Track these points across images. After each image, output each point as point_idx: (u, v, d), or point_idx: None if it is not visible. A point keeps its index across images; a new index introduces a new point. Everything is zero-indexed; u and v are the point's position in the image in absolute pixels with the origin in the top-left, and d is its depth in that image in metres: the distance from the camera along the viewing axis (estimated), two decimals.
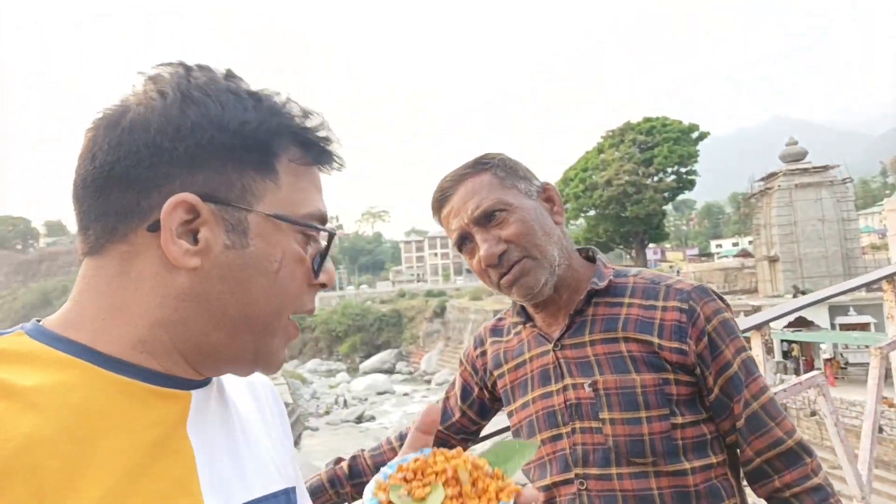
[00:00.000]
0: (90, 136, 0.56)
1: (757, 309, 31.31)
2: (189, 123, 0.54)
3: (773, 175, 36.48)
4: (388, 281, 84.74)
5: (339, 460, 1.30)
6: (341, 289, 77.66)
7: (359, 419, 31.10)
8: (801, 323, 30.22)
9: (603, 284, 1.08)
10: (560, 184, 50.17)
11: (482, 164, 1.09)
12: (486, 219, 1.05)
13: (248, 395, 0.69)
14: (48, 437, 0.47)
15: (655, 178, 44.37)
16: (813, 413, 16.32)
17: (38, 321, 0.56)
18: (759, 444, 1.02)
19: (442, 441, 1.26)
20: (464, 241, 1.09)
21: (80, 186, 0.56)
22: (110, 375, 0.53)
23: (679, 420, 1.02)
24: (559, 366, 1.09)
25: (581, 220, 45.70)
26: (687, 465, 1.00)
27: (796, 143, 37.14)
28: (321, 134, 0.60)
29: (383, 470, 0.57)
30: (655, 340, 1.03)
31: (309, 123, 0.60)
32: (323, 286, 0.63)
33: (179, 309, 0.55)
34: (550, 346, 1.10)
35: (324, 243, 0.61)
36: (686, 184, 45.45)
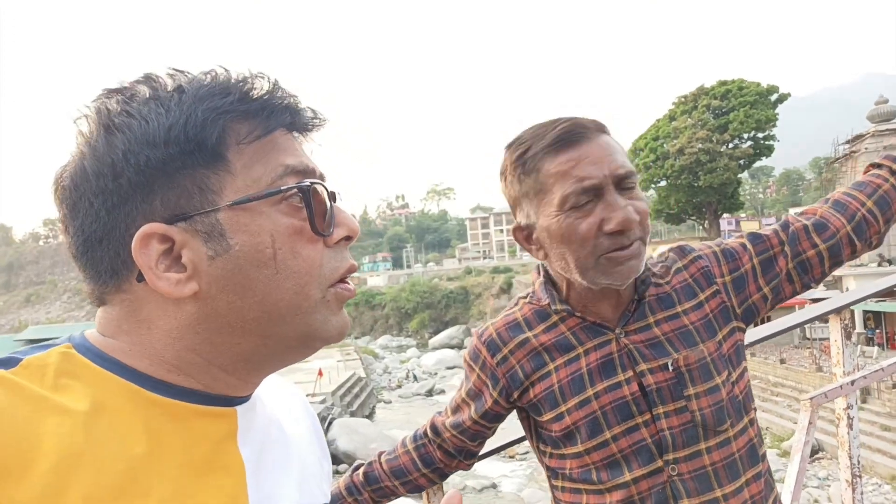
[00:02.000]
0: (57, 208, 0.55)
1: (837, 279, 29.85)
2: (120, 154, 0.51)
3: (859, 137, 34.39)
4: (454, 258, 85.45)
5: (357, 467, 1.26)
6: (409, 267, 79.13)
7: (429, 392, 32.20)
8: (887, 292, 28.51)
9: (657, 269, 1.09)
10: (630, 154, 48.25)
11: (604, 128, 1.01)
12: (623, 182, 0.96)
13: (287, 412, 0.69)
14: (100, 458, 0.47)
15: (730, 145, 42.58)
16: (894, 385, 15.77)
17: (83, 334, 0.56)
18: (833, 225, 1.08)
19: (457, 447, 1.19)
20: (590, 194, 0.95)
21: (72, 255, 0.55)
22: (156, 398, 0.53)
23: (734, 376, 1.04)
24: (629, 352, 1.02)
25: (651, 192, 44.48)
26: (747, 419, 1.04)
27: (886, 101, 34.75)
28: (258, 98, 0.56)
29: None
30: (701, 297, 1.06)
31: (241, 94, 0.55)
32: (348, 239, 0.59)
33: (200, 332, 0.54)
34: (613, 335, 1.03)
35: (304, 195, 0.56)
36: (763, 150, 43.38)
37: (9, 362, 0.49)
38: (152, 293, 0.53)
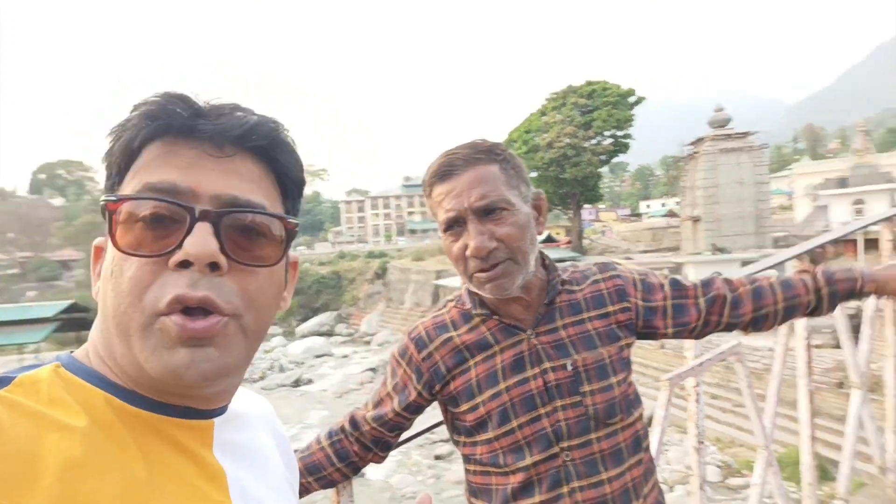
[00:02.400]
0: None
1: (679, 266, 33.42)
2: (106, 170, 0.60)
3: (700, 140, 38.27)
4: (327, 242, 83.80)
5: None
6: None
7: (296, 383, 30.98)
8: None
9: (566, 276, 1.21)
10: (505, 144, 50.52)
11: (494, 154, 1.11)
12: (486, 212, 1.06)
13: (263, 424, 0.71)
14: (101, 471, 0.49)
15: (593, 141, 45.62)
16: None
17: (72, 353, 0.59)
18: (717, 292, 1.23)
19: (376, 438, 1.25)
20: (454, 224, 1.09)
21: None
22: (138, 412, 0.55)
23: (629, 379, 1.19)
24: (536, 352, 1.14)
25: None
26: (636, 413, 1.18)
27: (722, 109, 38.97)
28: (133, 119, 0.57)
29: None
30: (609, 308, 1.18)
31: (139, 113, 0.57)
32: (185, 265, 0.53)
33: (99, 341, 0.58)
34: (525, 335, 1.14)
35: (126, 211, 0.55)
36: (621, 147, 46.97)
37: (2, 381, 0.51)
38: None
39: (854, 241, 29.81)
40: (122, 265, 0.54)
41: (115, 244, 0.54)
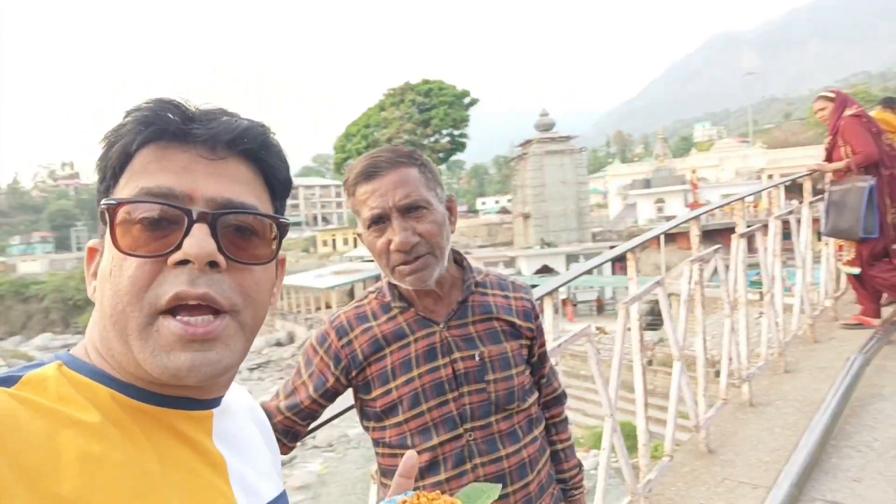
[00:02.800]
0: None
1: (512, 259, 35.81)
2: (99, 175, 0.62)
3: (528, 142, 41.00)
4: None
5: None
6: (80, 249, 67.74)
7: None
8: (546, 270, 35.29)
9: (480, 279, 1.33)
10: (342, 139, 50.40)
11: (413, 159, 1.21)
12: (409, 210, 1.16)
13: (248, 413, 0.73)
14: (117, 464, 0.51)
15: (432, 139, 46.84)
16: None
17: (69, 351, 0.60)
18: (549, 390, 1.42)
19: (287, 428, 1.28)
20: (378, 221, 1.17)
21: None
22: (142, 406, 0.57)
23: (527, 371, 1.33)
24: (447, 343, 1.24)
25: None
26: (531, 400, 1.31)
27: (547, 115, 42.13)
28: (126, 124, 0.59)
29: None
30: (515, 320, 1.31)
31: (134, 118, 0.59)
32: (184, 263, 0.56)
33: (97, 336, 0.60)
34: (438, 328, 1.25)
35: (153, 215, 0.56)
36: (458, 146, 48.80)
37: (9, 380, 0.52)
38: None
39: (658, 237, 34.14)
40: (121, 265, 0.55)
41: (115, 245, 0.56)
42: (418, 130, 45.70)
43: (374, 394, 1.25)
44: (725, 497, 2.80)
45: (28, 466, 0.46)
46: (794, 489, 2.57)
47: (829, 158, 4.80)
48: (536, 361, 1.37)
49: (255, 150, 0.62)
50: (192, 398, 0.61)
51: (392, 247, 1.17)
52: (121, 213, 0.56)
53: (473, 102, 49.45)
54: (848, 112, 4.63)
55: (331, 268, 41.75)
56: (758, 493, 2.72)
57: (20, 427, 0.47)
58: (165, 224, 0.56)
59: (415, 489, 0.63)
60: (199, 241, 0.55)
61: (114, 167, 0.59)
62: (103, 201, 0.58)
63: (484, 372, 1.25)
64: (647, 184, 45.15)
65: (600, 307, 31.61)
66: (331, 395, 1.30)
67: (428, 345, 1.24)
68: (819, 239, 5.28)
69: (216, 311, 0.56)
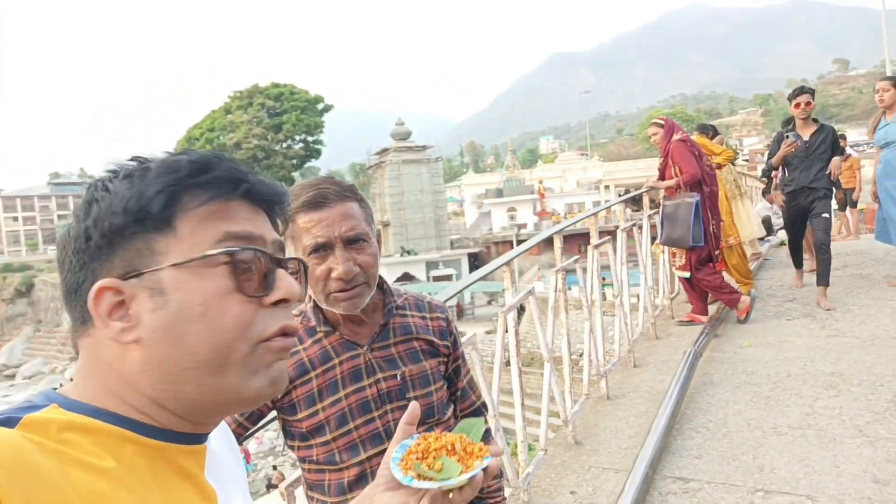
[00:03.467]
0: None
1: None
2: (92, 221, 0.61)
3: (385, 150, 41.33)
4: None
5: None
6: None
7: None
8: (407, 277, 35.78)
9: (400, 302, 1.41)
10: (184, 142, 47.13)
11: (355, 194, 1.30)
12: (352, 241, 1.24)
13: (220, 437, 0.75)
14: (128, 502, 0.54)
15: (284, 145, 45.39)
16: None
17: (55, 390, 0.62)
18: (465, 404, 1.49)
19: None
20: (320, 249, 1.23)
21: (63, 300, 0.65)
22: (146, 440, 0.59)
23: (445, 387, 1.40)
24: (371, 365, 1.31)
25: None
26: (449, 413, 1.40)
27: (403, 123, 42.77)
28: (207, 173, 0.63)
29: (394, 456, 0.78)
30: (433, 339, 1.39)
31: (190, 170, 0.62)
32: (286, 301, 0.64)
33: (149, 377, 0.60)
34: (362, 350, 1.32)
35: (236, 258, 0.62)
36: (313, 152, 47.81)
37: (9, 422, 0.53)
38: (107, 338, 0.60)
39: (511, 242, 36.03)
40: (220, 305, 0.60)
41: (241, 290, 0.61)
42: (269, 136, 44.14)
43: (301, 415, 1.30)
44: (592, 483, 3.09)
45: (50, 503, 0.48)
46: (649, 470, 2.92)
47: (661, 177, 5.48)
48: (451, 374, 1.45)
49: (282, 206, 0.71)
50: (194, 433, 0.63)
51: (334, 275, 1.24)
52: (219, 263, 0.61)
53: (327, 108, 48.79)
54: (675, 137, 5.33)
55: None
56: (619, 476, 3.04)
57: (33, 466, 0.48)
58: (257, 265, 0.63)
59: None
60: (290, 282, 0.65)
61: (163, 215, 0.61)
62: (221, 250, 0.61)
63: (406, 390, 1.32)
64: (499, 193, 47.52)
65: (460, 312, 32.68)
66: (255, 419, 1.35)
67: (353, 366, 1.31)
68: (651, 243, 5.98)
69: None
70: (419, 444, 0.78)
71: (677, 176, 5.26)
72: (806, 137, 5.68)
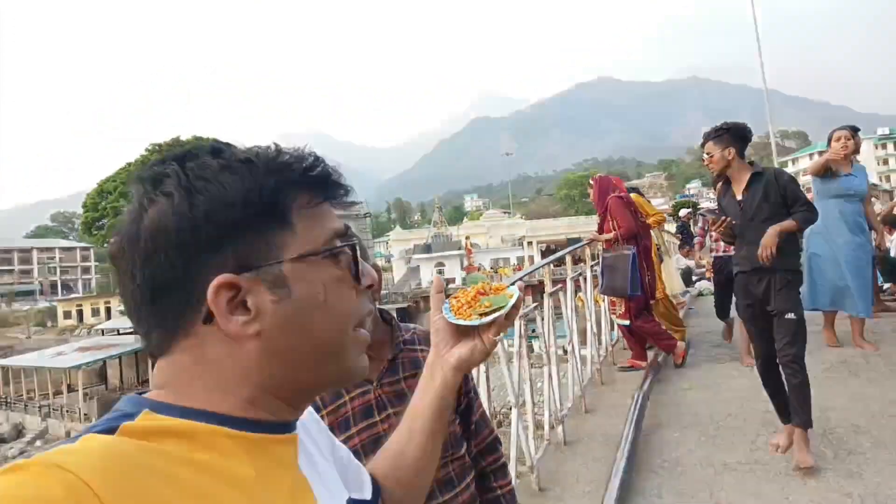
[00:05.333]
0: (119, 258, 0.61)
1: None
2: (202, 213, 0.58)
3: None
4: None
5: None
6: None
7: None
8: None
9: (408, 336, 1.40)
10: (95, 196, 44.94)
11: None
12: None
13: (310, 423, 0.77)
14: (236, 499, 0.54)
15: None
16: None
17: (146, 398, 0.60)
18: (479, 438, 1.46)
19: None
20: None
21: (133, 305, 0.61)
22: (246, 435, 0.59)
23: (457, 421, 1.39)
24: (381, 401, 1.31)
25: None
26: (464, 450, 1.38)
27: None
28: (317, 173, 0.65)
29: (446, 315, 0.89)
30: None
31: (304, 168, 0.64)
32: (370, 287, 0.70)
33: (264, 369, 0.61)
34: (371, 386, 1.32)
35: (350, 252, 0.66)
36: None
37: (107, 431, 0.53)
38: (217, 335, 0.59)
39: None
40: (338, 292, 0.64)
41: (356, 279, 0.66)
42: None
43: None
44: None
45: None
46: None
47: (600, 230, 5.81)
48: (464, 409, 1.44)
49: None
50: (286, 421, 0.65)
51: None
52: (351, 253, 0.66)
53: None
54: (613, 194, 5.70)
55: (75, 343, 35.89)
56: None
57: (143, 469, 0.49)
58: (354, 258, 0.67)
59: None
60: (370, 269, 0.71)
61: (282, 212, 0.63)
62: (338, 242, 0.65)
63: None
64: (427, 248, 47.98)
65: None
66: None
67: (363, 403, 1.31)
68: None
69: None
70: (458, 300, 0.90)
71: (615, 230, 5.59)
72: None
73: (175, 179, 0.60)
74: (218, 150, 0.64)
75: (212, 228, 0.58)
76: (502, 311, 0.86)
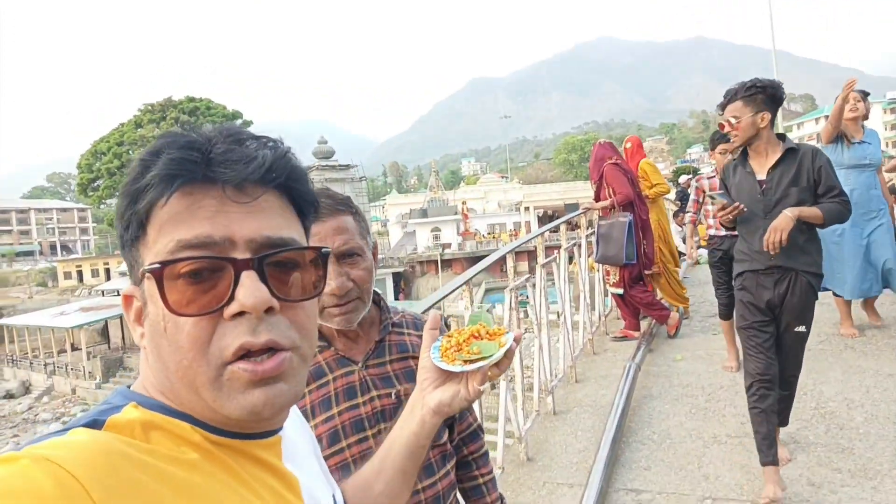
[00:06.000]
0: None
1: None
2: (117, 213, 0.58)
3: (308, 168, 40.49)
4: None
5: None
6: None
7: None
8: None
9: (396, 319, 1.39)
10: (89, 156, 44.42)
11: (349, 206, 1.27)
12: (345, 256, 1.22)
13: (295, 419, 0.73)
14: (217, 497, 0.52)
15: None
16: None
17: (129, 387, 0.60)
18: (462, 425, 1.45)
19: None
20: None
21: None
22: (224, 440, 0.57)
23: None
24: (366, 382, 1.29)
25: (115, 200, 41.50)
26: (445, 437, 1.36)
27: (326, 142, 42.26)
28: (175, 156, 0.55)
29: (432, 356, 0.84)
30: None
31: (165, 155, 0.55)
32: (246, 313, 0.55)
33: (162, 383, 0.58)
34: (357, 367, 1.29)
35: (201, 268, 0.54)
36: None
37: (95, 423, 0.52)
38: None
39: (435, 262, 36.29)
40: (175, 322, 0.54)
41: (168, 308, 0.54)
42: None
43: None
44: (548, 499, 3.11)
45: (147, 500, 0.47)
46: (603, 483, 2.98)
47: (596, 198, 5.70)
48: None
49: (284, 180, 0.60)
50: (261, 431, 0.62)
51: (327, 290, 1.20)
52: (165, 275, 0.54)
53: (247, 124, 47.54)
54: (610, 161, 5.56)
55: (77, 304, 36.10)
56: (574, 491, 3.08)
57: (126, 468, 0.47)
58: (212, 276, 0.54)
59: None
60: (252, 290, 0.54)
61: (140, 220, 0.56)
62: (146, 267, 0.54)
63: (401, 409, 1.28)
64: (423, 213, 47.77)
65: None
66: None
67: (347, 383, 1.28)
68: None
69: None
70: (449, 341, 0.86)
71: (611, 197, 5.48)
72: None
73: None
74: (158, 140, 0.58)
75: (121, 229, 0.57)
76: (487, 362, 0.81)
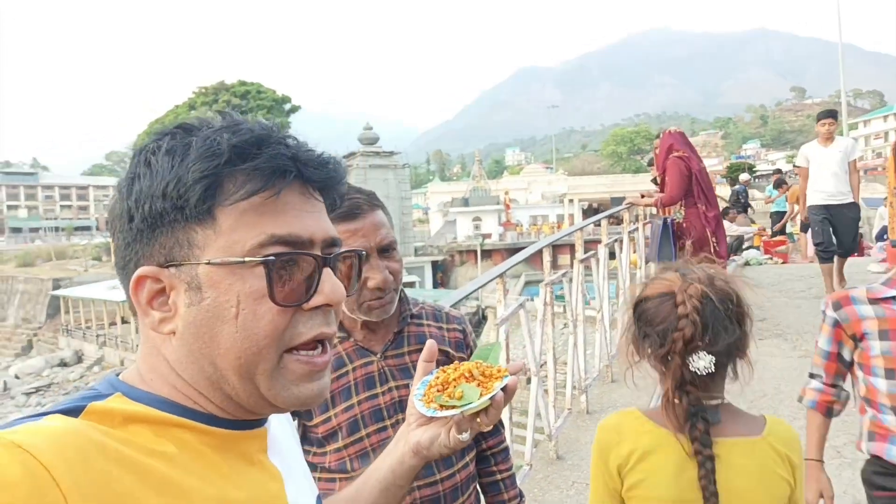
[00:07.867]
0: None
1: None
2: (133, 201, 0.56)
3: (352, 154, 41.05)
4: None
5: None
6: None
7: None
8: None
9: (416, 310, 1.39)
10: (145, 136, 45.77)
11: (379, 202, 1.31)
12: (385, 250, 1.25)
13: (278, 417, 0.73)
14: (193, 489, 0.52)
15: None
16: None
17: (118, 376, 0.60)
18: None
19: None
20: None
21: None
22: (207, 428, 0.58)
23: None
24: (384, 372, 1.31)
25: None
26: None
27: (371, 128, 42.60)
28: (254, 158, 0.56)
29: (416, 392, 0.80)
30: (448, 350, 1.35)
31: (232, 155, 0.56)
32: (328, 306, 0.60)
33: (187, 370, 0.58)
34: (375, 358, 1.31)
35: (291, 266, 0.57)
36: None
37: (74, 410, 0.52)
38: (147, 326, 0.59)
39: (475, 251, 36.24)
40: (255, 310, 0.56)
41: (272, 298, 0.56)
42: None
43: (316, 420, 1.30)
44: (576, 499, 3.07)
45: (118, 493, 0.47)
46: None
47: (661, 190, 5.33)
48: None
49: (338, 186, 0.64)
50: (254, 419, 0.62)
51: (370, 284, 1.24)
52: (276, 266, 0.56)
53: (294, 109, 48.33)
54: (675, 154, 5.12)
55: None
56: None
57: (98, 457, 0.47)
58: (300, 270, 0.58)
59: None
60: (334, 286, 0.59)
61: (210, 205, 0.56)
62: (247, 258, 0.56)
63: None
64: (465, 202, 47.68)
65: None
66: None
67: (366, 373, 1.31)
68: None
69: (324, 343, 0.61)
70: (438, 378, 0.81)
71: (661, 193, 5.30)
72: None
73: (133, 165, 0.59)
74: (189, 128, 0.59)
75: (140, 219, 0.56)
76: (458, 411, 0.74)
